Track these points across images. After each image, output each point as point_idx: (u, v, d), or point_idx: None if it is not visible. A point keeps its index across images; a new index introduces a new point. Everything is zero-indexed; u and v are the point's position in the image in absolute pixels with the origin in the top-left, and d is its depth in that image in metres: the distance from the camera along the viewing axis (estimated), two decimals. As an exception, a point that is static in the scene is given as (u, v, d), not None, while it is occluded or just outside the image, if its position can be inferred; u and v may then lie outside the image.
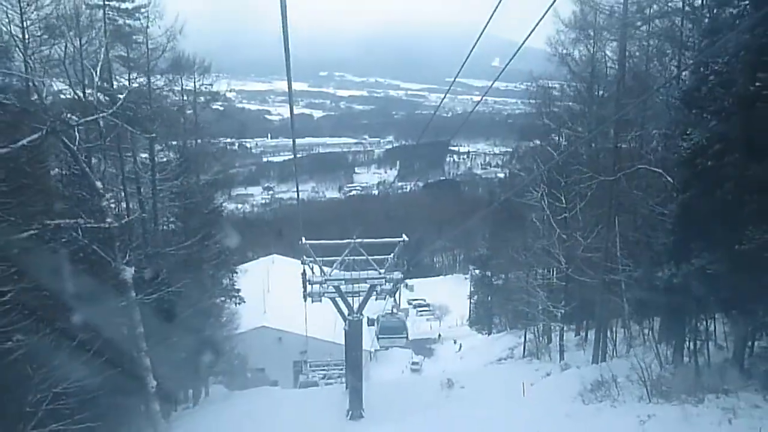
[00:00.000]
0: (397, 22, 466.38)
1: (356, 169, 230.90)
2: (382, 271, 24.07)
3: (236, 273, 37.11)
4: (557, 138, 28.82)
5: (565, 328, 33.91)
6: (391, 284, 24.76)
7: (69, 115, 14.41)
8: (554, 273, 30.76)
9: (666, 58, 24.86)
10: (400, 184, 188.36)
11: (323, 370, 41.04)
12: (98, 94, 17.99)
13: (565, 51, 28.51)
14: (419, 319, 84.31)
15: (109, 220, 17.27)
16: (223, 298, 34.37)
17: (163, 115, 24.48)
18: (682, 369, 18.62)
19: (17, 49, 18.15)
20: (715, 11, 15.73)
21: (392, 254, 24.46)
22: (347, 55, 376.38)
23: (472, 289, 65.60)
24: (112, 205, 20.42)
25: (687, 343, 18.94)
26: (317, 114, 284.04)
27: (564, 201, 27.26)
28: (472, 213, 79.81)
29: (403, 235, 24.15)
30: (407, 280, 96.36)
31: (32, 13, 19.18)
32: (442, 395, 25.25)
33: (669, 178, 19.55)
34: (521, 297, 31.87)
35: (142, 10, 22.21)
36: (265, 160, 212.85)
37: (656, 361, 19.95)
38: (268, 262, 69.11)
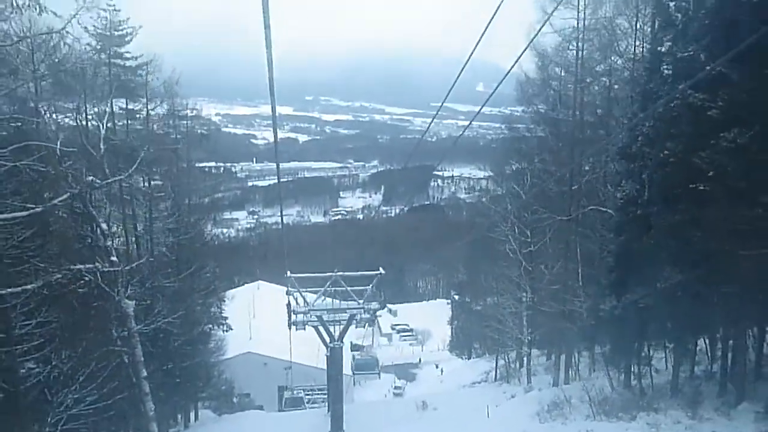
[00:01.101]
0: (383, 47, 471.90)
1: (341, 193, 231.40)
2: (361, 301, 26.11)
3: (224, 301, 38.93)
4: (524, 176, 31.05)
5: (538, 353, 36.04)
6: (370, 314, 26.80)
7: (92, 178, 16.37)
8: (525, 301, 32.84)
9: (629, 101, 27.06)
10: (385, 208, 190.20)
11: (308, 394, 42.56)
12: (104, 145, 19.95)
13: (531, 93, 31.02)
14: (402, 343, 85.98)
15: (114, 258, 19.22)
16: (211, 326, 36.11)
17: (160, 156, 26.51)
18: (627, 390, 20.85)
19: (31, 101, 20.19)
20: (648, 77, 18.13)
21: (371, 285, 26.52)
22: (333, 79, 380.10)
23: (451, 315, 67.44)
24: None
25: (632, 367, 21.22)
26: (302, 138, 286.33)
27: (530, 235, 29.54)
28: (455, 238, 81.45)
29: (380, 269, 26.22)
30: (391, 306, 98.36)
31: (45, 69, 21.30)
32: (417, 416, 27.11)
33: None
34: (490, 324, 34.03)
35: (144, 67, 24.48)
36: (250, 184, 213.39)
37: (608, 383, 22.24)
38: (254, 289, 70.68)
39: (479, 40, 8.25)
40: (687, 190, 13.38)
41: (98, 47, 23.31)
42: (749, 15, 12.36)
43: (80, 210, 20.49)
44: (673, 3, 16.81)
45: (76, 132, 20.91)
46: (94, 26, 22.97)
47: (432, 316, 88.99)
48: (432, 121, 74.24)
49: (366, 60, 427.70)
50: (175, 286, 25.31)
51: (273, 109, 8.36)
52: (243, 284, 74.54)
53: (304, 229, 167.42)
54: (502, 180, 37.47)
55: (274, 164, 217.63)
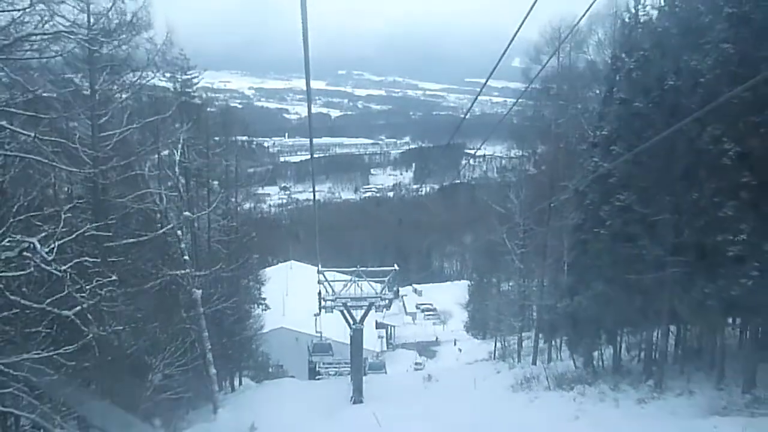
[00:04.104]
0: (417, 22, 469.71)
1: (372, 170, 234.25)
2: (379, 288, 32.19)
3: (263, 284, 45.31)
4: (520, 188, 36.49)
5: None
6: (386, 301, 32.79)
7: (187, 213, 22.78)
8: (518, 293, 38.27)
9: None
10: (415, 186, 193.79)
11: (335, 367, 47.74)
12: (177, 169, 26.14)
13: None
14: (426, 322, 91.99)
15: (186, 258, 25.31)
16: (252, 305, 42.47)
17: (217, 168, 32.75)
18: (584, 370, 26.46)
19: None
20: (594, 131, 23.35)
21: (387, 278, 32.48)
22: (366, 53, 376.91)
23: (468, 298, 72.79)
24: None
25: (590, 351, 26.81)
26: (334, 113, 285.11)
27: (522, 237, 34.92)
28: (481, 219, 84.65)
29: (395, 265, 32.24)
30: (416, 285, 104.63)
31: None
32: (423, 386, 33.08)
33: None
34: (487, 311, 39.81)
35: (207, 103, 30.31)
36: (282, 159, 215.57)
37: (572, 364, 27.92)
38: (287, 268, 77.17)
39: (522, 23, 7.86)
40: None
41: (171, 90, 29.24)
42: (645, 109, 17.69)
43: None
44: (618, 76, 21.92)
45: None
46: (169, 72, 28.92)
47: (455, 296, 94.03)
48: (472, 105, 77.15)
49: (400, 34, 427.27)
50: (229, 275, 31.53)
51: (308, 85, 8.55)
52: (277, 263, 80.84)
53: (335, 206, 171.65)
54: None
55: (307, 139, 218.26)
